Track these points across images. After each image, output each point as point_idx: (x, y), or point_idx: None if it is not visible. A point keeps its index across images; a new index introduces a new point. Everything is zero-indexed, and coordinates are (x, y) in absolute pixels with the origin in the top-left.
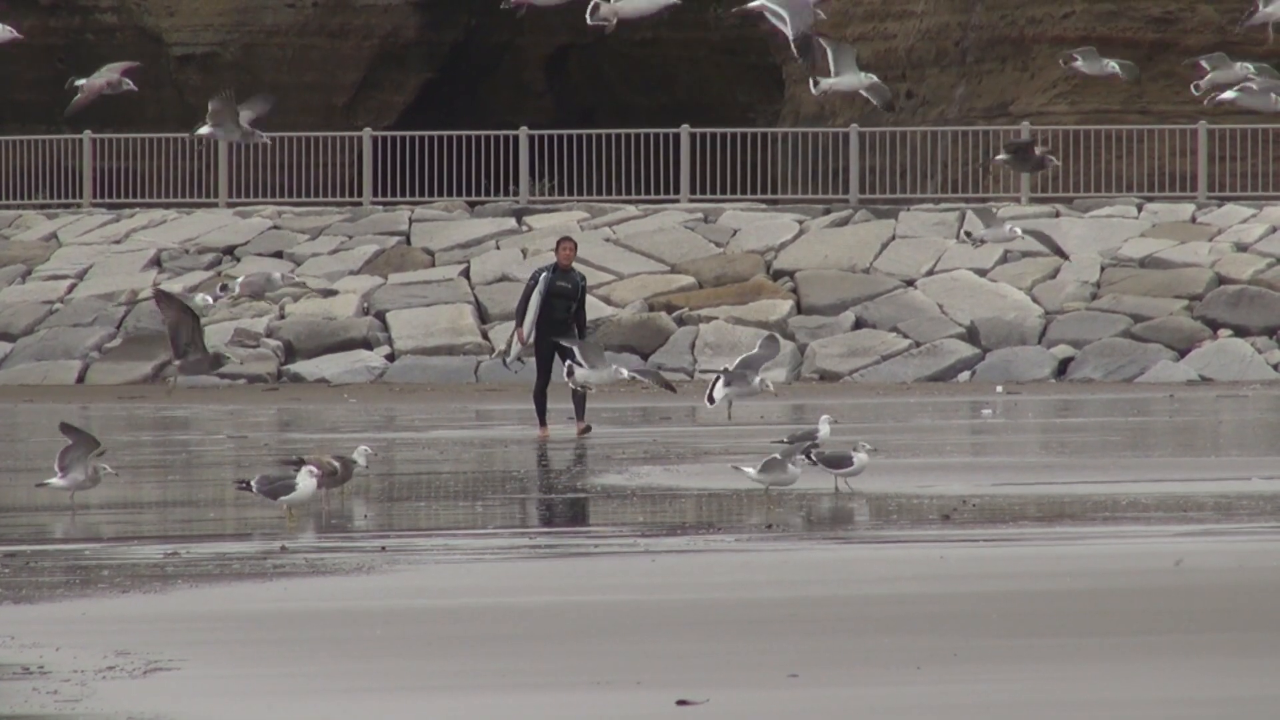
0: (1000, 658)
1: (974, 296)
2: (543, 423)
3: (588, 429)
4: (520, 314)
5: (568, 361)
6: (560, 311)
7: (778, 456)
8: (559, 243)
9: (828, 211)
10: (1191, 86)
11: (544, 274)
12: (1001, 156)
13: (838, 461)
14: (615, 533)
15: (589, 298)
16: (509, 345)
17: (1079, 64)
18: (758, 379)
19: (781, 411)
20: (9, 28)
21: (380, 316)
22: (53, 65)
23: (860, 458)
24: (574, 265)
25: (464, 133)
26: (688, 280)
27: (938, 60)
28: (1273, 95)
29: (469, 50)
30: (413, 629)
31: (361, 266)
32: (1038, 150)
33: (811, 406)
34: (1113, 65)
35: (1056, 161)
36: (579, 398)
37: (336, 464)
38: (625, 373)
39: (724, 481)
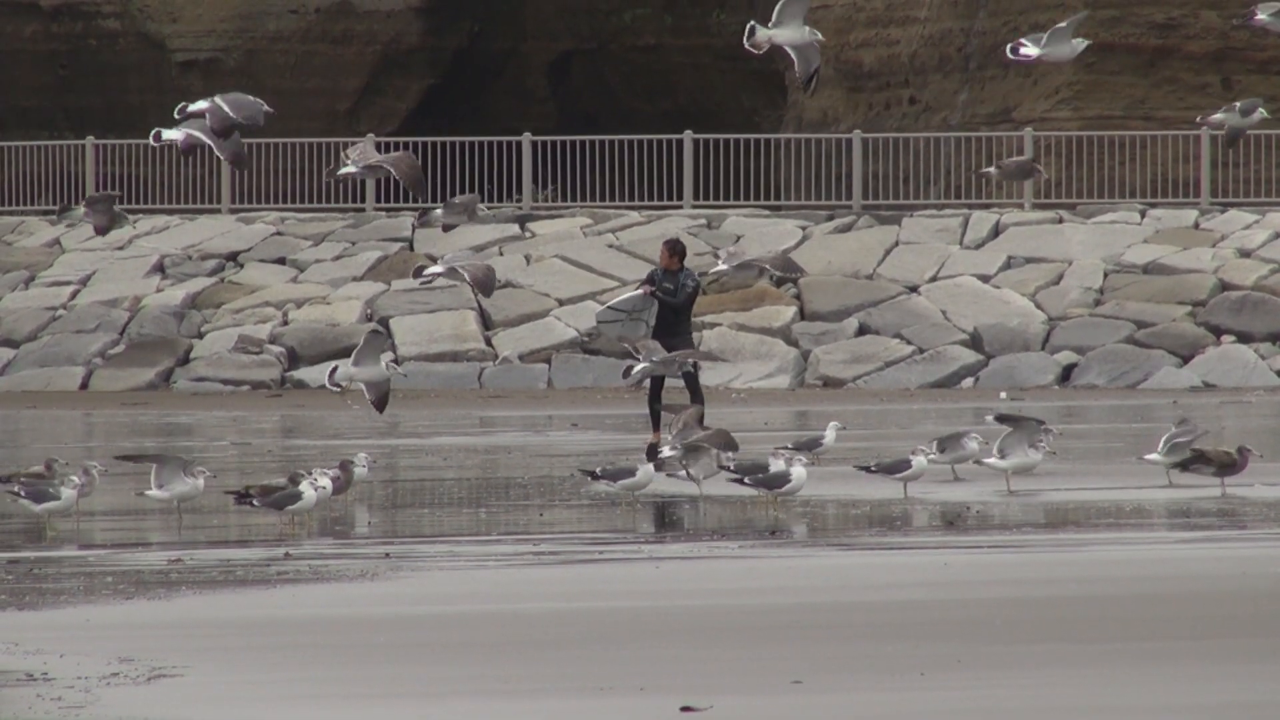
0: (1004, 664)
1: (977, 303)
2: (655, 429)
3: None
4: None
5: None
6: (668, 314)
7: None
8: (662, 244)
9: (831, 217)
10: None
11: (653, 275)
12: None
13: (895, 468)
14: (619, 539)
15: None
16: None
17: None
18: None
19: (786, 418)
20: None
21: (384, 323)
22: (55, 71)
23: (919, 461)
24: (685, 266)
25: (467, 139)
26: None
27: (940, 66)
28: None
29: (472, 56)
30: (416, 635)
31: (364, 273)
32: None
33: (815, 413)
34: None
35: None
36: (655, 410)
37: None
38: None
39: (727, 488)
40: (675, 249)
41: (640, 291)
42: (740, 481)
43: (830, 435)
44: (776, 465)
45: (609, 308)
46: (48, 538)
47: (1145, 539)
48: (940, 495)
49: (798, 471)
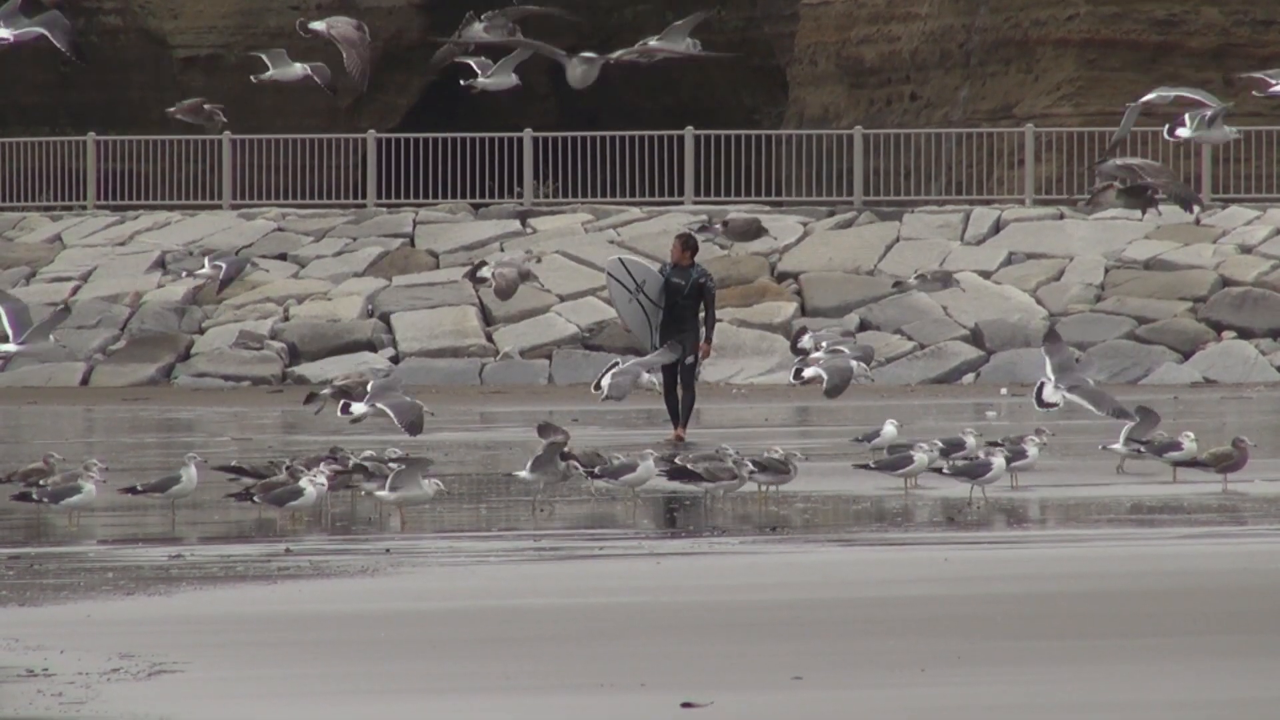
0: (1005, 660)
1: (978, 299)
2: (675, 423)
3: (680, 439)
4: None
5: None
6: (677, 309)
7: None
8: (675, 238)
9: (832, 213)
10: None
11: (663, 268)
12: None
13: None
14: (620, 535)
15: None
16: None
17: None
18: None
19: (786, 414)
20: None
21: (385, 319)
22: (56, 68)
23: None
24: (696, 262)
25: (468, 134)
26: None
27: (942, 62)
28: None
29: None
30: (416, 631)
31: (365, 268)
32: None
33: (816, 409)
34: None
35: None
36: (684, 405)
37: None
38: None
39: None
40: (688, 244)
41: (653, 268)
42: (938, 471)
43: (890, 430)
44: (970, 449)
45: (619, 260)
46: (71, 533)
47: (1146, 535)
48: (940, 491)
49: (998, 461)
